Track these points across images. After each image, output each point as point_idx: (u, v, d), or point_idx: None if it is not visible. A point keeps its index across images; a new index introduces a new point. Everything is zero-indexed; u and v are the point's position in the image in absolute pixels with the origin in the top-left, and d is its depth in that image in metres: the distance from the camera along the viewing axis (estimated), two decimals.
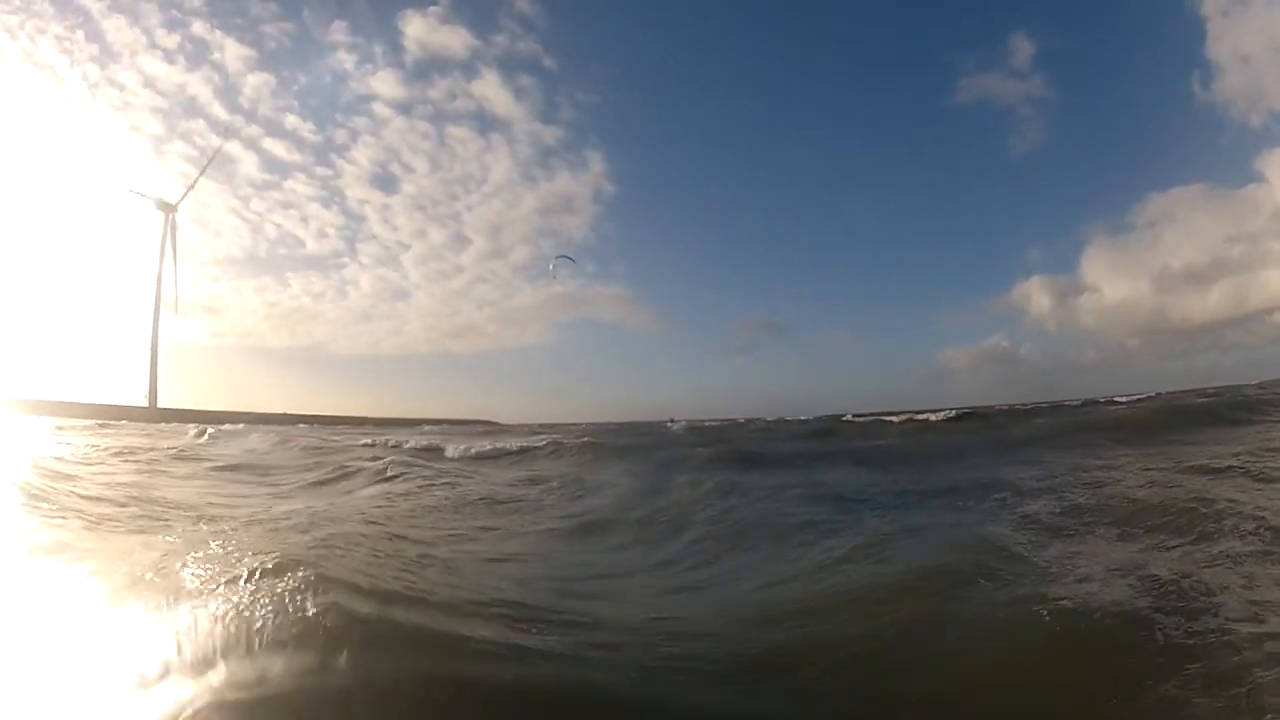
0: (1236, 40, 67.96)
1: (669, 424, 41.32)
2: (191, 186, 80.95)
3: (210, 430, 25.77)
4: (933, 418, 28.39)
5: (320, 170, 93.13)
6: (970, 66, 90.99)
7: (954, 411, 29.88)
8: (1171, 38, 76.34)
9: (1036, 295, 77.47)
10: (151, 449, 16.81)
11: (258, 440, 21.69)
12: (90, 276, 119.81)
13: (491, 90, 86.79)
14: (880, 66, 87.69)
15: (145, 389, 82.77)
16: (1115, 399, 39.83)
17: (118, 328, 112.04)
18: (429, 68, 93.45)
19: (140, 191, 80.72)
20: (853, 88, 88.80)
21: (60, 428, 31.00)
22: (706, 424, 47.37)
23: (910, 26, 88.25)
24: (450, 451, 18.53)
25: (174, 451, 16.69)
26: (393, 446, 19.25)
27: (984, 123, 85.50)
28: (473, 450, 18.23)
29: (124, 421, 45.47)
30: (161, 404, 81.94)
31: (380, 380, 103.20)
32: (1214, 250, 70.01)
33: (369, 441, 22.96)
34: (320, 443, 20.88)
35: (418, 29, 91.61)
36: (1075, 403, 40.18)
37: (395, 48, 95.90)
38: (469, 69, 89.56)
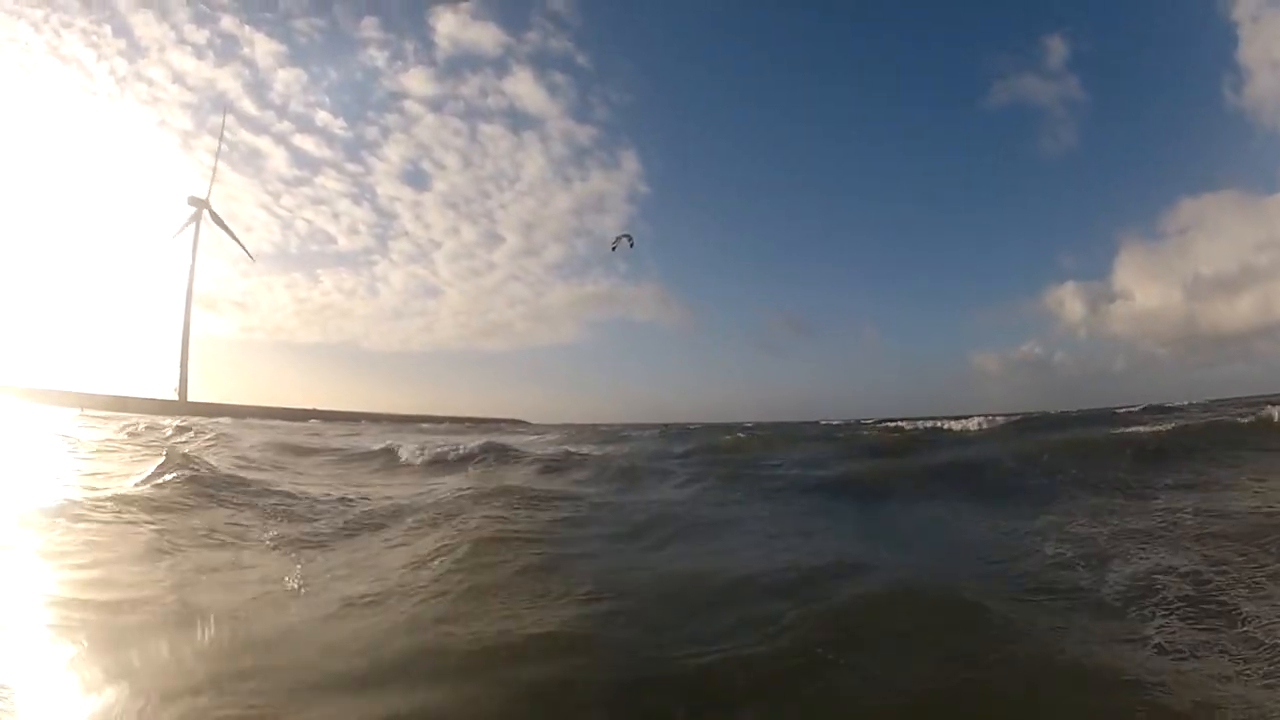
0: (1268, 45, 66.58)
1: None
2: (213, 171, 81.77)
3: (145, 422, 23.36)
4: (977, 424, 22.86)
5: (351, 167, 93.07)
6: (1004, 68, 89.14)
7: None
8: (1204, 42, 73.61)
9: (1069, 301, 75.85)
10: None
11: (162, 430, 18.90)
12: (123, 271, 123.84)
13: (524, 88, 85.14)
14: (914, 67, 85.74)
15: (176, 383, 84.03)
16: (1170, 404, 37.33)
17: (152, 322, 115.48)
18: (460, 64, 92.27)
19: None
20: (886, 88, 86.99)
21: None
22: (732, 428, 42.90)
23: (944, 27, 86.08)
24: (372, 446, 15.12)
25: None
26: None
27: (1017, 124, 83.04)
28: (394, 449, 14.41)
29: (115, 413, 44.49)
30: (192, 398, 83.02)
31: (411, 377, 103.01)
32: (1243, 258, 68.61)
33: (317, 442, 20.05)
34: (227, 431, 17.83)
35: (449, 25, 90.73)
36: (1137, 408, 36.20)
37: (426, 44, 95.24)
38: (501, 66, 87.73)
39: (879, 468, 11.47)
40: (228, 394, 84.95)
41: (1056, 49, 76.49)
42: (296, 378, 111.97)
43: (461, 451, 12.70)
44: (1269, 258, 66.70)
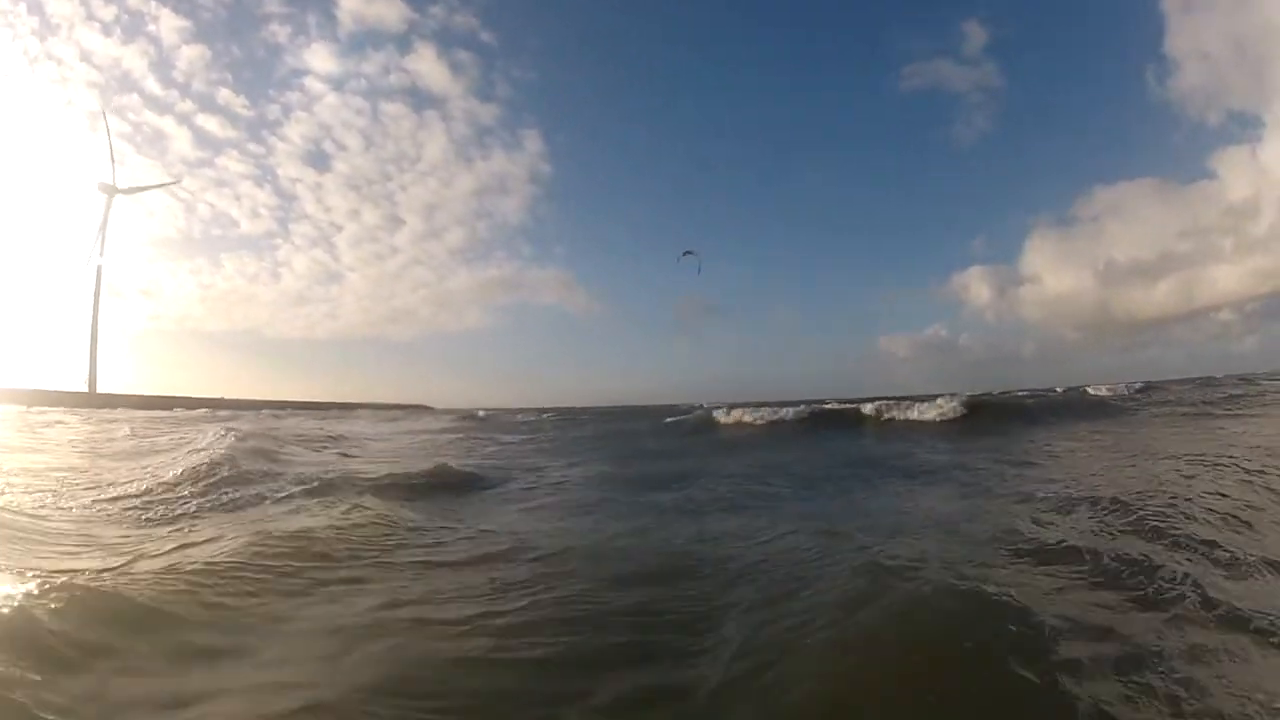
0: (1197, 37, 69.08)
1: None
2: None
3: None
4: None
5: (253, 147, 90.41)
6: (920, 52, 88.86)
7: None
8: (1130, 31, 75.52)
9: (976, 285, 77.67)
10: None
11: None
12: (33, 260, 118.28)
13: (427, 65, 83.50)
14: (827, 49, 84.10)
15: (85, 375, 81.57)
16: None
17: (63, 312, 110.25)
18: (363, 41, 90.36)
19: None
20: (799, 70, 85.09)
21: None
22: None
23: (859, 9, 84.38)
24: None
25: None
26: None
27: (931, 109, 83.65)
28: None
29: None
30: (102, 389, 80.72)
31: (317, 364, 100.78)
32: (1161, 245, 70.13)
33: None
34: None
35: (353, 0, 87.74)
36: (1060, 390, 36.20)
37: (329, 19, 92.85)
38: (404, 43, 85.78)
39: None
40: (138, 385, 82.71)
41: (975, 35, 75.48)
42: (205, 367, 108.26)
43: None
44: (1189, 245, 68.10)
